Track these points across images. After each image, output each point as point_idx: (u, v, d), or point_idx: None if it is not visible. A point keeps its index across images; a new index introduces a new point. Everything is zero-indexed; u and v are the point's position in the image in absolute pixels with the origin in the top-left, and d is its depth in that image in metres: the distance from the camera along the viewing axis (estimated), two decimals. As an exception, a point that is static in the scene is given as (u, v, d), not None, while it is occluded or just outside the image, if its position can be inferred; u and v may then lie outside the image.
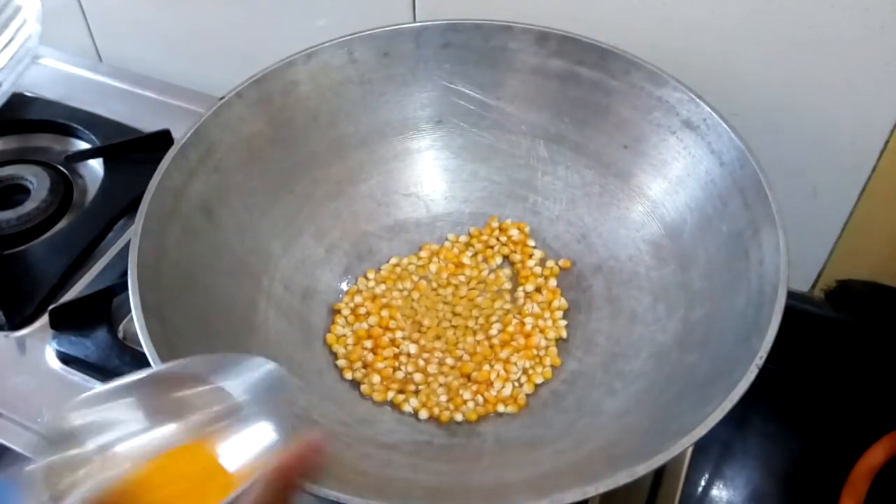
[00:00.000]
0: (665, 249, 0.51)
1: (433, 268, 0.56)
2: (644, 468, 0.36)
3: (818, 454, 0.63)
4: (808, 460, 0.63)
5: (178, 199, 0.48)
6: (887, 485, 0.59)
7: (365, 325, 0.53)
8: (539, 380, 0.50)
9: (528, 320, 0.53)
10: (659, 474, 0.54)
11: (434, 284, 0.55)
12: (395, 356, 0.52)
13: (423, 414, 0.49)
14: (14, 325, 0.58)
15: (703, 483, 0.62)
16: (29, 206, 0.65)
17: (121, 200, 0.64)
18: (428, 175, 0.58)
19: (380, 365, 0.51)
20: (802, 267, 0.63)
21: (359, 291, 0.55)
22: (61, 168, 0.69)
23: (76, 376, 0.55)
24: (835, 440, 0.63)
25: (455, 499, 0.44)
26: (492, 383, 0.50)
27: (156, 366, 0.40)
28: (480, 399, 0.50)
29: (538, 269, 0.55)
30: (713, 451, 0.63)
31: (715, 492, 0.62)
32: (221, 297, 0.49)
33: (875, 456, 0.59)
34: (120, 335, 0.57)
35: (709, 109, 0.49)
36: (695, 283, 0.48)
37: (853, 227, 0.59)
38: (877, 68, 0.51)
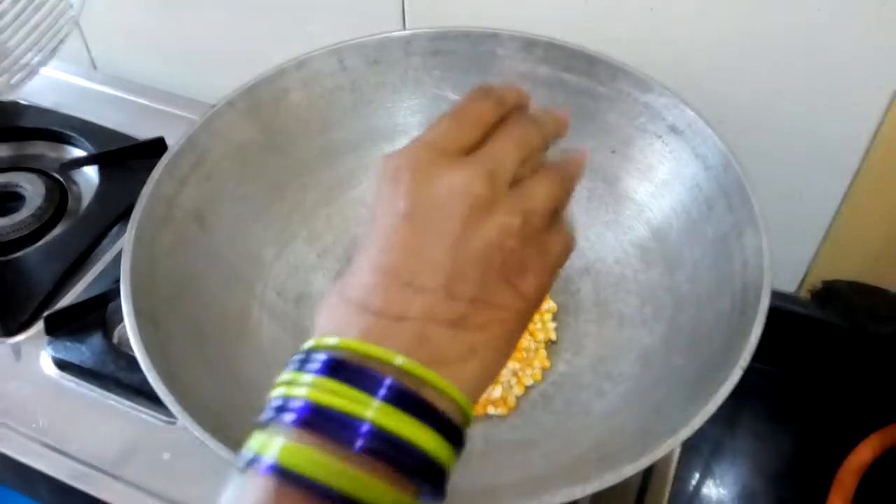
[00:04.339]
0: (652, 253, 0.52)
1: (424, 272, 0.56)
2: (631, 469, 0.37)
3: (807, 452, 0.63)
4: (798, 458, 0.63)
5: (171, 206, 0.49)
6: (875, 482, 0.59)
7: (357, 330, 0.53)
8: (528, 382, 0.51)
9: (518, 323, 0.53)
10: (648, 474, 0.54)
11: (425, 288, 0.56)
12: (387, 360, 0.52)
13: (415, 417, 0.49)
14: (9, 331, 0.58)
15: (693, 482, 0.63)
16: (24, 213, 0.65)
17: (115, 207, 0.65)
18: (418, 180, 0.58)
19: (372, 369, 0.51)
20: (789, 268, 0.63)
21: (351, 296, 0.55)
22: (56, 175, 0.69)
23: (71, 382, 0.56)
24: (823, 438, 0.63)
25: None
26: (482, 386, 0.50)
27: (148, 372, 0.40)
28: (471, 401, 0.50)
29: (528, 273, 0.56)
30: (704, 450, 0.64)
31: (706, 490, 0.62)
32: (214, 304, 0.49)
33: (863, 454, 0.60)
34: (115, 341, 0.57)
35: (694, 114, 0.49)
36: (681, 286, 0.49)
37: (838, 228, 0.59)
38: (861, 72, 0.51)
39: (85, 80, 0.79)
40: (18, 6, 0.63)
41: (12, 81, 0.65)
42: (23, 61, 0.65)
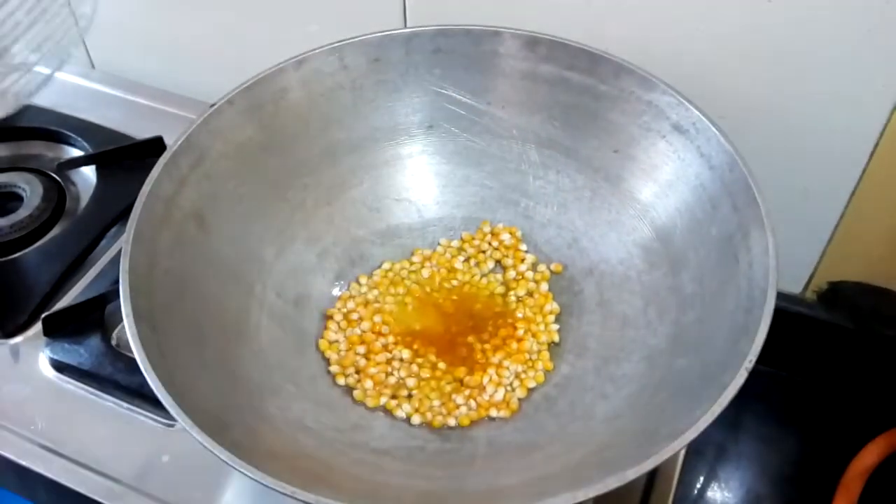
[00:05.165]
0: (656, 253, 0.51)
1: (425, 273, 0.56)
2: (634, 472, 0.36)
3: (812, 455, 0.63)
4: (802, 461, 0.63)
5: (170, 206, 0.48)
6: (880, 486, 0.59)
7: (357, 331, 0.53)
8: (531, 384, 0.50)
9: (520, 325, 0.53)
10: (652, 476, 0.54)
11: (426, 289, 0.55)
12: (388, 361, 0.52)
13: (416, 419, 0.49)
14: (7, 332, 0.58)
15: (698, 485, 0.62)
16: (22, 213, 0.65)
17: (114, 207, 0.64)
18: (420, 180, 0.58)
19: (372, 370, 0.51)
20: (794, 268, 0.63)
21: (351, 297, 0.55)
22: (54, 175, 0.69)
23: (70, 384, 0.55)
24: (828, 441, 0.63)
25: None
26: (484, 388, 0.50)
27: (147, 374, 0.40)
28: (473, 404, 0.50)
29: (530, 274, 0.55)
30: (708, 453, 0.64)
31: (710, 493, 0.62)
32: (214, 304, 0.49)
33: (868, 457, 0.60)
34: (113, 342, 0.57)
35: (698, 113, 0.49)
36: (685, 286, 0.49)
37: (844, 228, 0.59)
38: (865, 71, 0.51)
39: (83, 80, 0.78)
40: (26, 19, 0.63)
41: (18, 94, 0.64)
42: (28, 76, 0.64)
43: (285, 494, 0.36)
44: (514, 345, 0.52)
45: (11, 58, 0.62)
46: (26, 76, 0.64)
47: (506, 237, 0.57)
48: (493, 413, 0.49)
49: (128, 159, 0.68)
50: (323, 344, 0.52)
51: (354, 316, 0.54)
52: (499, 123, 0.56)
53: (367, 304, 0.54)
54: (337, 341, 0.53)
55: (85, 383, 0.55)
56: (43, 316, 0.57)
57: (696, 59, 0.55)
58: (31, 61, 0.64)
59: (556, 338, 0.52)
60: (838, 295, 0.63)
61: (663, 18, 0.54)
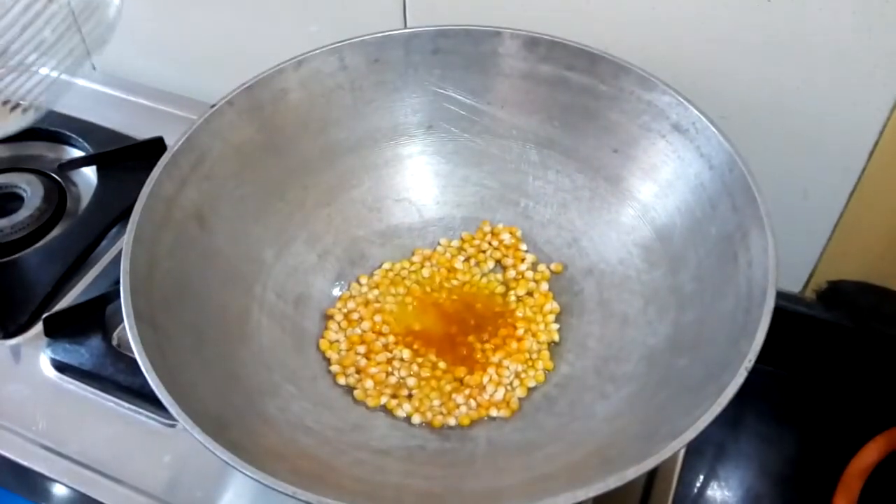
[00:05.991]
0: (655, 253, 0.51)
1: (425, 273, 0.56)
2: (634, 472, 0.36)
3: (812, 454, 0.63)
4: (802, 460, 0.63)
5: (170, 206, 0.48)
6: (880, 484, 0.59)
7: (358, 331, 0.53)
8: (531, 383, 0.51)
9: (520, 324, 0.53)
10: (652, 475, 0.54)
11: (427, 289, 0.55)
12: (388, 361, 0.52)
13: (416, 419, 0.49)
14: (8, 333, 0.58)
15: (697, 484, 0.62)
16: (23, 214, 0.65)
17: (114, 208, 0.65)
18: (419, 180, 0.58)
19: (373, 370, 0.51)
20: (794, 268, 0.63)
21: (351, 297, 0.55)
22: (55, 176, 0.69)
23: (71, 384, 0.55)
24: (828, 440, 0.63)
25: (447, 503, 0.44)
26: (484, 387, 0.50)
27: (148, 374, 0.40)
28: (473, 403, 0.50)
29: (530, 274, 0.55)
30: (707, 452, 0.64)
31: (710, 492, 0.62)
32: (214, 305, 0.49)
33: (868, 456, 0.60)
34: (114, 342, 0.57)
35: (697, 113, 0.49)
36: (685, 286, 0.49)
37: (844, 228, 0.59)
38: (865, 70, 0.51)
39: (83, 80, 0.78)
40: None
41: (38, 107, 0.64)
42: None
43: (286, 494, 0.36)
44: (514, 344, 0.52)
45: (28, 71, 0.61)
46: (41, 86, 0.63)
47: (506, 237, 0.57)
48: (494, 413, 0.49)
49: (128, 160, 0.68)
50: (323, 344, 0.52)
51: (355, 316, 0.54)
52: (498, 123, 0.56)
53: (367, 303, 0.54)
54: (337, 341, 0.53)
55: (86, 384, 0.55)
56: (44, 316, 0.57)
57: (695, 59, 0.55)
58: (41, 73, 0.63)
59: (556, 337, 0.52)
60: (838, 294, 0.63)
61: (663, 18, 0.54)
